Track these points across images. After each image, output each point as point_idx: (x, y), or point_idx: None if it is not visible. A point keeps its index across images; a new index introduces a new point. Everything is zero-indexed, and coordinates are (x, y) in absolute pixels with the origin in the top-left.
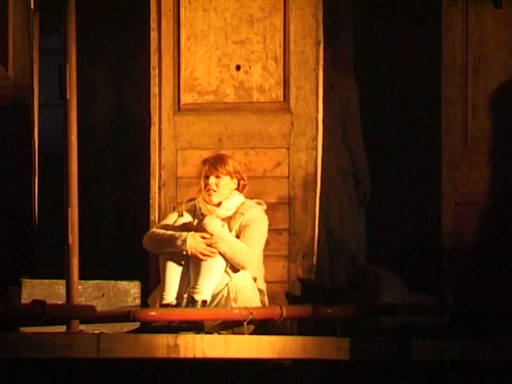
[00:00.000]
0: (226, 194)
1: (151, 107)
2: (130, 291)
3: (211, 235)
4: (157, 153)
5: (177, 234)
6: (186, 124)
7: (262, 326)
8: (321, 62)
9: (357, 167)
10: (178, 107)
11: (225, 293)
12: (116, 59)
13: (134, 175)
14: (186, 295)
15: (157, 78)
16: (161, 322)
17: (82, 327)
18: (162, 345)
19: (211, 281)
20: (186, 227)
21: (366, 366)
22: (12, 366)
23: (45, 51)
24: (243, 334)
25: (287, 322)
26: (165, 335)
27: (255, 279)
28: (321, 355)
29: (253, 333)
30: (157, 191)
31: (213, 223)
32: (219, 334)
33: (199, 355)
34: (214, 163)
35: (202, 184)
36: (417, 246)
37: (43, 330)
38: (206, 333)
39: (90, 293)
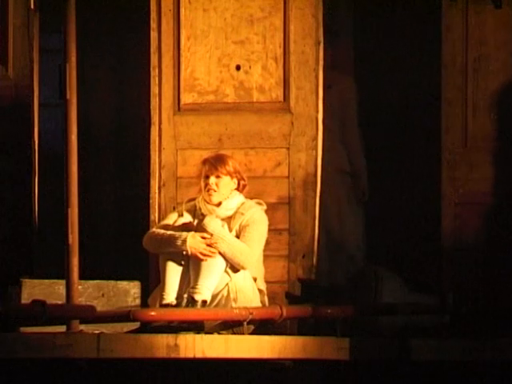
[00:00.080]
0: (226, 194)
1: (151, 107)
2: (130, 291)
3: (211, 235)
4: (157, 153)
5: (177, 234)
6: (186, 124)
7: (262, 326)
8: (321, 62)
9: (355, 167)
10: (178, 107)
11: (225, 293)
12: (116, 59)
13: (134, 175)
14: (186, 295)
15: (157, 78)
16: (161, 322)
17: (82, 327)
18: (162, 345)
19: (211, 281)
20: (186, 227)
21: (366, 366)
22: (12, 366)
23: (45, 51)
24: (243, 333)
25: (287, 322)
26: (165, 335)
27: (255, 279)
28: (321, 355)
29: (253, 333)
30: (157, 191)
31: (213, 223)
32: (219, 333)
33: (199, 355)
34: (214, 163)
35: (202, 184)
36: (417, 245)
37: (43, 330)
38: (206, 333)
39: (90, 293)
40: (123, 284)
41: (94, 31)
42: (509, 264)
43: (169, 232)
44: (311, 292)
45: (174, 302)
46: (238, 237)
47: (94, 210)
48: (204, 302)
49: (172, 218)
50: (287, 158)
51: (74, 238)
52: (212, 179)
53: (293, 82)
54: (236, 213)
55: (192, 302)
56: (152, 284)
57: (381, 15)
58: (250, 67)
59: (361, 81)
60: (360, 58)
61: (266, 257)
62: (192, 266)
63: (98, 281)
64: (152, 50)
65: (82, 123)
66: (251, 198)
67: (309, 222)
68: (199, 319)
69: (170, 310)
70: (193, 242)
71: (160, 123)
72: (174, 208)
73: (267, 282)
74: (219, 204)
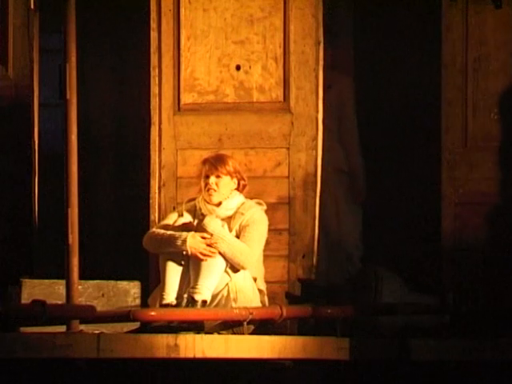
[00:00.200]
0: (226, 194)
1: (151, 107)
2: (130, 291)
3: (211, 235)
4: (157, 153)
5: (177, 233)
6: (186, 124)
7: (262, 326)
8: (321, 62)
9: (352, 166)
10: (178, 107)
11: (225, 293)
12: (116, 59)
13: (134, 175)
14: (186, 295)
15: (157, 78)
16: (161, 322)
17: (82, 327)
18: (162, 345)
19: (211, 281)
20: (186, 227)
21: (366, 366)
22: (12, 366)
23: (45, 51)
24: (243, 333)
25: (287, 322)
26: (165, 335)
27: (255, 279)
28: (321, 355)
29: (253, 333)
30: (157, 191)
31: (213, 223)
32: (219, 333)
33: (199, 355)
34: (214, 163)
35: (202, 184)
36: (417, 246)
37: (43, 330)
38: (206, 333)
39: (90, 293)
40: (123, 284)
41: (94, 31)
42: (509, 264)
43: (169, 232)
44: (311, 292)
45: (174, 302)
46: (237, 237)
47: (93, 210)
48: (204, 302)
49: (172, 218)
50: (287, 158)
51: (74, 238)
52: (212, 179)
53: (293, 82)
54: (236, 213)
55: (192, 302)
56: (152, 284)
57: (381, 15)
58: (249, 67)
59: (361, 81)
60: (360, 57)
61: (265, 257)
62: (192, 265)
63: (98, 281)
64: (152, 50)
65: (82, 123)
66: (251, 198)
67: (309, 222)
68: (199, 319)
69: (170, 310)
70: (193, 242)
71: (160, 123)
72: (174, 208)
73: (267, 282)
74: (219, 204)
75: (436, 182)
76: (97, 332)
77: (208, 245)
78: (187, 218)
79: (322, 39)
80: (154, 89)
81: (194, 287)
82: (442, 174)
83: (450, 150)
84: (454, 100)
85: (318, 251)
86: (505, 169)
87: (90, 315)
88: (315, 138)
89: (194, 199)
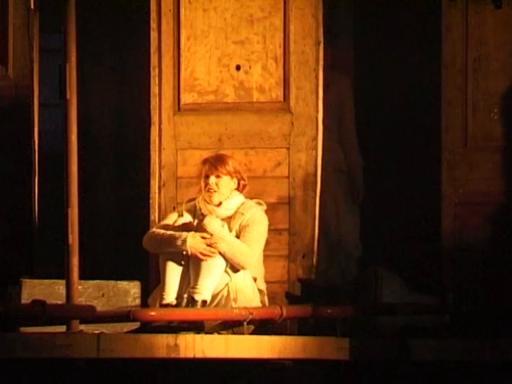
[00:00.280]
0: (226, 194)
1: (151, 107)
2: (130, 291)
3: (211, 235)
4: (157, 153)
5: (177, 234)
6: (186, 124)
7: (262, 326)
8: (321, 62)
9: (350, 166)
10: (178, 107)
11: (225, 293)
12: (116, 59)
13: (133, 175)
14: (186, 295)
15: (157, 78)
16: (161, 322)
17: (82, 327)
18: (162, 345)
19: (211, 281)
20: (186, 227)
21: (366, 366)
22: (12, 366)
23: (45, 51)
24: (243, 333)
25: (287, 322)
26: (165, 335)
27: (255, 279)
28: (321, 355)
29: (253, 333)
30: (157, 191)
31: (213, 223)
32: (219, 333)
33: (199, 355)
34: (214, 163)
35: (202, 184)
36: (417, 246)
37: (43, 330)
38: (206, 333)
39: (90, 293)
40: (123, 284)
41: (94, 31)
42: (509, 264)
43: (169, 232)
44: (311, 292)
45: (174, 302)
46: (237, 237)
47: (93, 210)
48: (204, 302)
49: (172, 218)
50: (287, 158)
51: (74, 238)
52: (212, 179)
53: (293, 82)
54: (236, 213)
55: (192, 302)
56: (152, 284)
57: (381, 15)
58: (250, 67)
59: (361, 81)
60: (360, 57)
61: (265, 257)
62: (192, 265)
63: (98, 281)
64: (152, 50)
65: (82, 123)
66: (251, 198)
67: (309, 222)
68: (199, 319)
69: (170, 310)
70: (193, 242)
71: (160, 123)
72: (174, 208)
73: (267, 282)
74: (219, 204)
75: (436, 182)
76: (97, 332)
77: (208, 245)
78: (187, 218)
79: (321, 39)
80: (154, 89)
81: (193, 287)
82: (442, 174)
83: (450, 150)
84: (454, 100)
85: (317, 251)
86: (505, 169)
87: (90, 315)
88: (315, 138)
89: (193, 199)
